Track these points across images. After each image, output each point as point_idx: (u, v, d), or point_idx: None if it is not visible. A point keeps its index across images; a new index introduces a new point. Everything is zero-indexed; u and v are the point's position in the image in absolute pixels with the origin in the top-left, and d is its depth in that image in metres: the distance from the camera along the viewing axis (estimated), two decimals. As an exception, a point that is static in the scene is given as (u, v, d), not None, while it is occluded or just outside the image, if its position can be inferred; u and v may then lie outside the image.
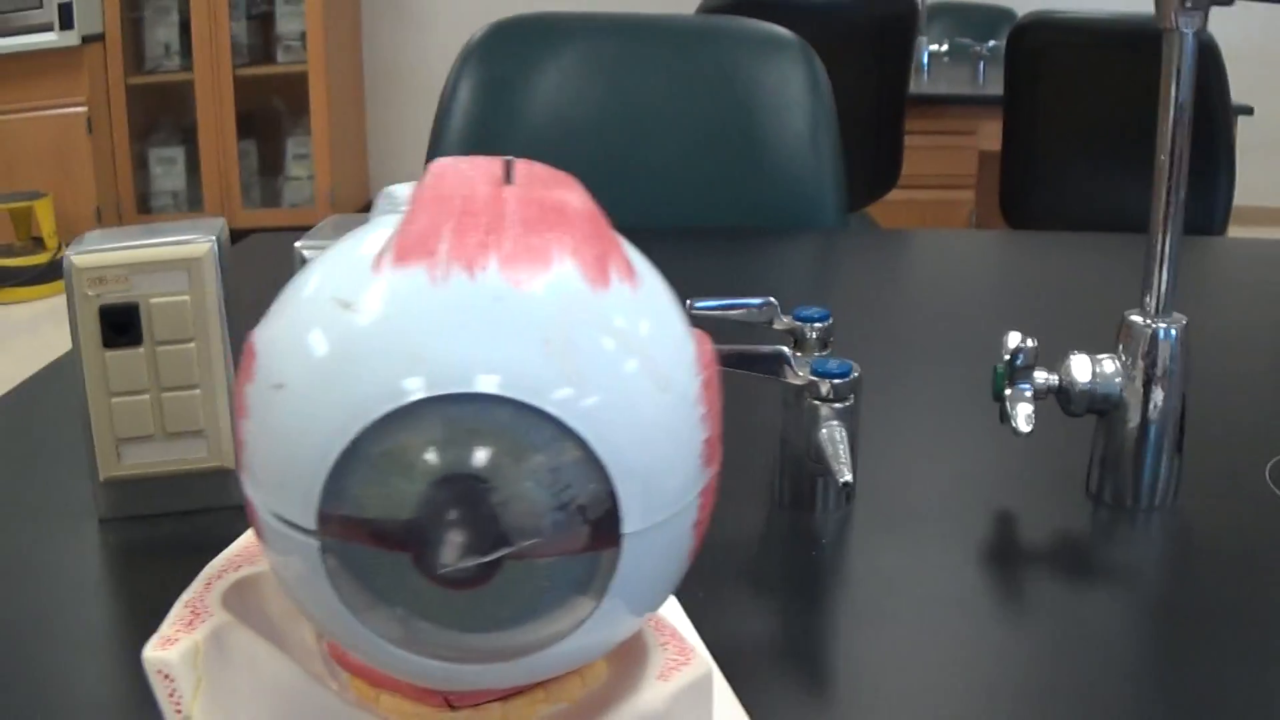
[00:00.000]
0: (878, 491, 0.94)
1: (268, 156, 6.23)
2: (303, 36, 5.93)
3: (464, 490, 0.44)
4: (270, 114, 6.20)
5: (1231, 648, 0.76)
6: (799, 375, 0.86)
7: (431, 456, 0.44)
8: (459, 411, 0.44)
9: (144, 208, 6.14)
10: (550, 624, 0.46)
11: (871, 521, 0.90)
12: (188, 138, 6.10)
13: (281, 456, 0.46)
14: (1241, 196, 2.98)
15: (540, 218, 0.48)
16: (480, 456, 0.44)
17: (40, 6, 5.55)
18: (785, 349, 0.86)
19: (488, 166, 0.50)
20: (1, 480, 1.00)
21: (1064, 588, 0.82)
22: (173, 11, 5.92)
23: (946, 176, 3.86)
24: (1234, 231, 4.02)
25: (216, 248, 0.87)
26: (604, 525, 0.45)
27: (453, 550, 0.44)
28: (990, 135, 3.30)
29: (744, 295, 0.97)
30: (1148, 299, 0.89)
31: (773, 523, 0.91)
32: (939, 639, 0.77)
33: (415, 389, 0.44)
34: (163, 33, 5.97)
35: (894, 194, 3.54)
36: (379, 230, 0.49)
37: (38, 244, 5.55)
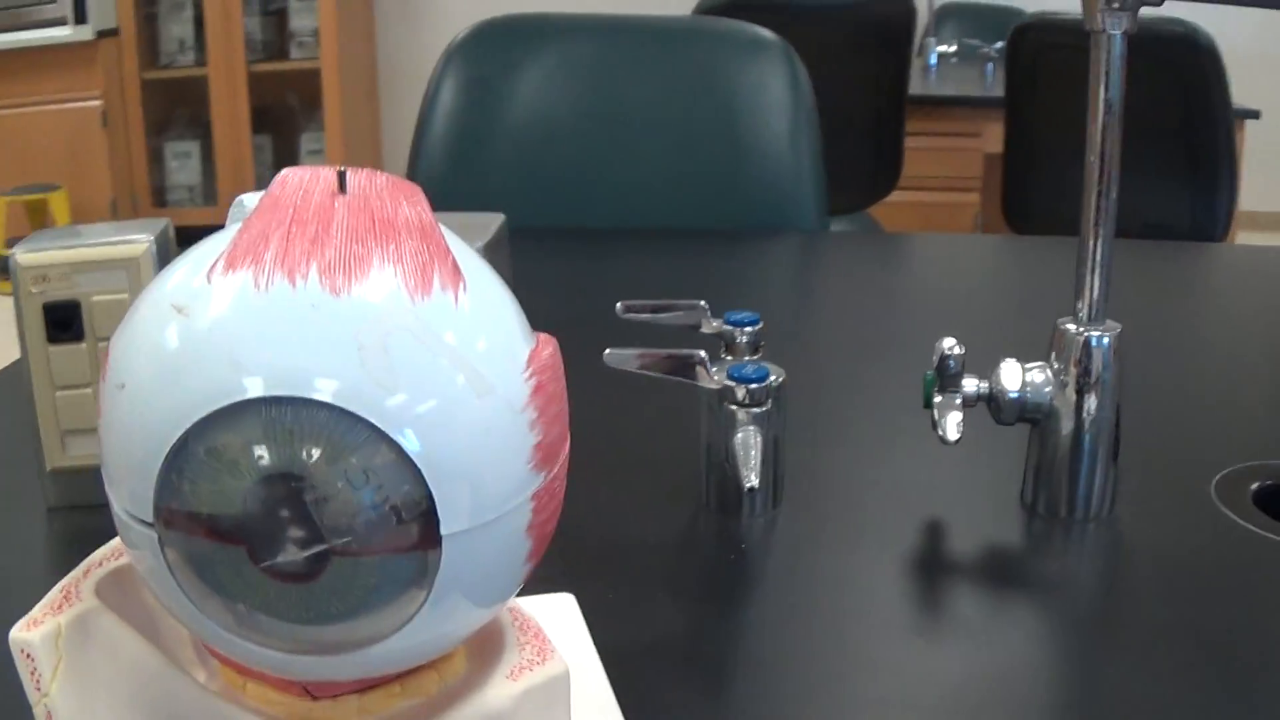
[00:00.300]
0: (807, 497, 0.93)
1: (282, 151, 6.24)
2: (316, 33, 5.94)
3: (283, 488, 0.45)
4: (284, 109, 6.21)
5: (1164, 668, 0.74)
6: (714, 380, 0.85)
7: (252, 455, 0.46)
8: (278, 413, 0.45)
9: (159, 201, 6.16)
10: (380, 619, 0.48)
11: (798, 527, 0.90)
12: (203, 132, 6.12)
13: (123, 453, 0.49)
14: (1249, 201, 2.97)
15: (368, 227, 0.49)
16: (296, 456, 0.45)
17: (54, 1, 5.57)
18: (701, 353, 0.85)
19: (327, 176, 0.51)
20: None
21: (992, 601, 0.81)
22: (187, 7, 5.93)
23: (951, 178, 3.85)
24: (1242, 237, 4.01)
25: (154, 248, 0.89)
26: (423, 526, 0.47)
27: (276, 545, 0.46)
28: (996, 138, 3.29)
29: (694, 297, 0.96)
30: (1080, 306, 0.87)
31: (697, 525, 0.91)
32: (856, 650, 0.77)
33: (237, 391, 0.46)
34: (177, 28, 5.98)
35: (898, 196, 3.53)
36: (221, 237, 0.51)
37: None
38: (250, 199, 0.54)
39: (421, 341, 0.47)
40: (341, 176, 0.51)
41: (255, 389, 0.45)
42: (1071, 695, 0.72)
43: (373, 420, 0.46)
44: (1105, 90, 0.84)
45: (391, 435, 0.46)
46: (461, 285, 0.50)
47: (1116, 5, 0.82)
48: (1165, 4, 0.84)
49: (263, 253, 0.48)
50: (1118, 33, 0.83)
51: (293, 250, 0.48)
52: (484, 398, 0.48)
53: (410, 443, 0.46)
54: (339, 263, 0.48)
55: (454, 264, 0.50)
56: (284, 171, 0.52)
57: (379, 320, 0.47)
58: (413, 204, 0.51)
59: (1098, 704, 0.71)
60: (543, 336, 0.54)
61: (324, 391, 0.46)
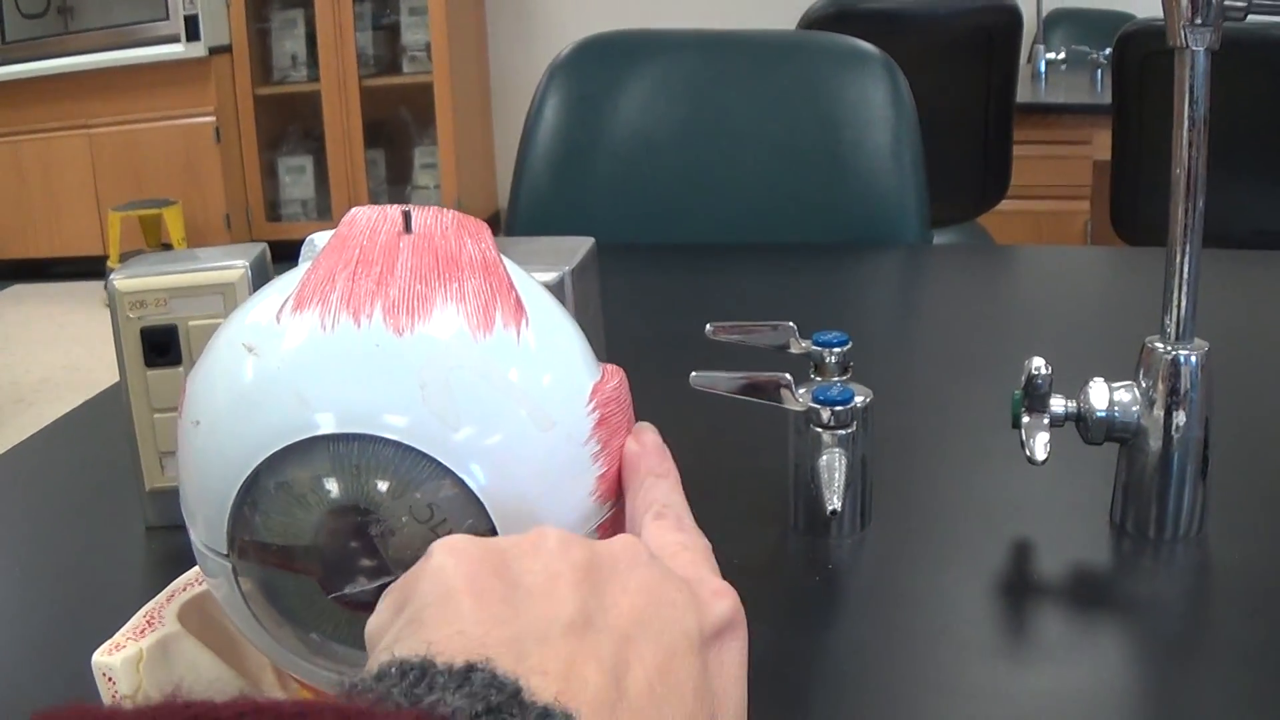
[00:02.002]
0: (895, 517, 0.93)
1: (395, 166, 6.30)
2: (428, 47, 5.99)
3: (351, 521, 0.48)
4: (397, 124, 6.27)
5: (1253, 691, 0.73)
6: (798, 402, 0.86)
7: (321, 488, 0.48)
8: (346, 449, 0.47)
9: (273, 215, 6.25)
10: None
11: (885, 548, 0.90)
12: (316, 147, 6.19)
13: (199, 487, 0.51)
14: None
15: (431, 266, 0.51)
16: (364, 491, 0.48)
17: (167, 18, 5.67)
18: (786, 376, 0.85)
19: (394, 216, 0.53)
20: (63, 489, 1.06)
21: (1079, 622, 0.81)
22: (299, 23, 6.01)
23: (1060, 187, 3.82)
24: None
25: (250, 273, 0.91)
26: None
27: (346, 575, 0.48)
28: (1105, 145, 3.26)
29: (791, 314, 0.96)
30: (1167, 322, 0.87)
31: (785, 546, 0.91)
32: (941, 672, 0.76)
33: (307, 428, 0.48)
34: (290, 44, 6.06)
35: (1007, 204, 3.50)
36: (293, 276, 0.54)
37: (166, 250, 5.65)
38: (321, 238, 0.57)
39: (484, 378, 0.49)
40: (407, 216, 0.53)
41: (324, 426, 0.47)
42: (1159, 718, 0.72)
43: (436, 456, 0.47)
44: (1190, 106, 0.84)
45: (455, 470, 0.48)
46: (524, 321, 0.51)
47: (1199, 21, 0.81)
48: (1254, 16, 0.84)
49: (329, 293, 0.50)
50: (1200, 49, 0.82)
51: (358, 291, 0.50)
52: (546, 432, 0.50)
53: (474, 478, 0.48)
54: (402, 302, 0.49)
55: (516, 300, 0.52)
56: (353, 211, 0.54)
57: (441, 359, 0.49)
58: (477, 241, 0.53)
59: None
60: (609, 368, 0.56)
61: (389, 428, 0.47)
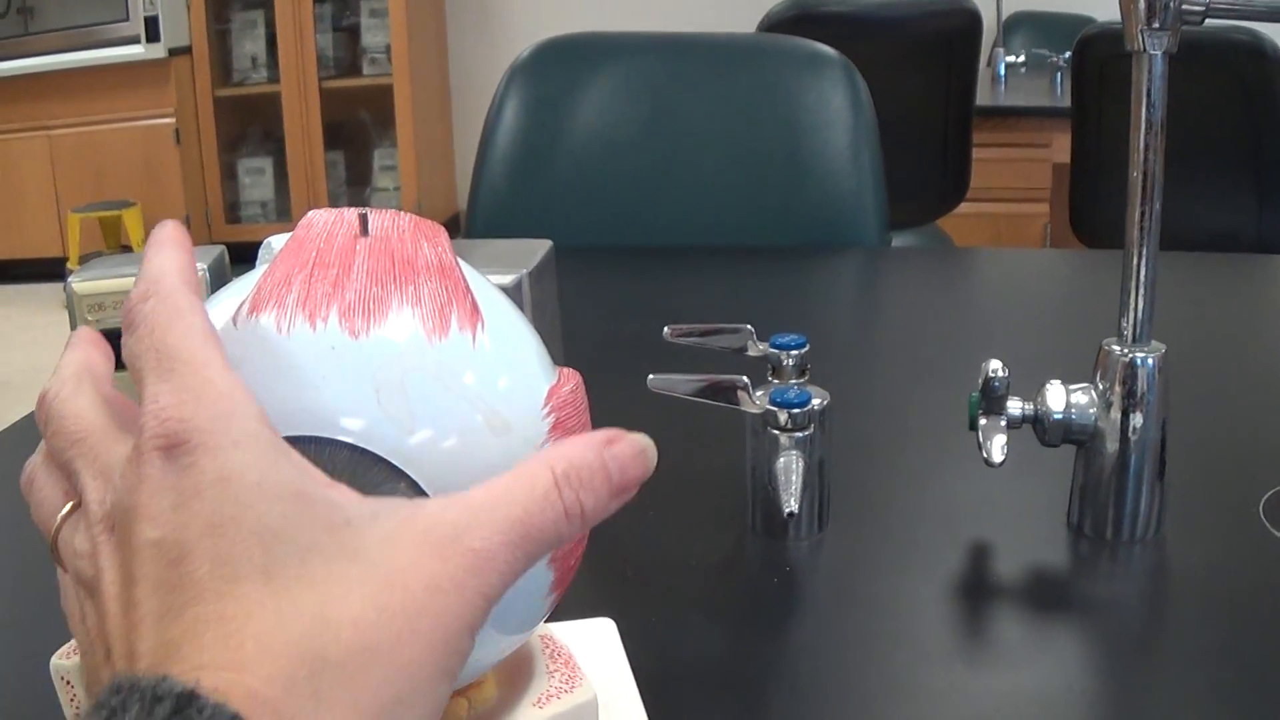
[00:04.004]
0: (852, 520, 0.93)
1: (355, 168, 6.29)
2: (388, 49, 5.98)
3: None
4: (357, 125, 6.26)
5: (1211, 692, 0.73)
6: (756, 404, 0.86)
7: None
8: (301, 451, 0.45)
9: (233, 217, 6.23)
10: None
11: (843, 550, 0.90)
12: (276, 148, 6.18)
13: None
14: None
15: (387, 269, 0.51)
16: None
17: (127, 19, 5.65)
18: (743, 379, 0.85)
19: (350, 219, 0.53)
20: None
21: (1037, 624, 0.81)
22: (259, 24, 5.99)
23: (1020, 189, 3.83)
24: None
25: (208, 275, 0.90)
26: None
27: None
28: (1065, 148, 3.27)
29: (749, 317, 0.96)
30: (1124, 325, 0.87)
31: (742, 549, 0.91)
32: (899, 675, 0.76)
33: None
34: (249, 45, 6.05)
35: (967, 207, 3.51)
36: (249, 279, 0.53)
37: (126, 251, 5.64)
38: (278, 241, 0.56)
39: (439, 381, 0.49)
40: (364, 219, 0.53)
41: (280, 428, 0.46)
42: None
43: (391, 459, 0.47)
44: (1147, 109, 0.84)
45: (410, 474, 0.48)
46: (480, 325, 0.51)
47: (1156, 25, 0.81)
48: (1206, 22, 0.84)
49: (285, 296, 0.50)
50: (1158, 53, 0.83)
51: (314, 293, 0.50)
52: (501, 436, 0.50)
53: (428, 481, 0.48)
54: (358, 305, 0.49)
55: (473, 304, 0.52)
56: (310, 214, 0.54)
57: (397, 361, 0.49)
58: (434, 244, 0.53)
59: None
60: (565, 372, 0.55)
61: (344, 431, 0.47)
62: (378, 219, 0.53)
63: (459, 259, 0.54)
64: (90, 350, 0.51)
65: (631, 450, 0.49)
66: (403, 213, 0.54)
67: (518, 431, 0.51)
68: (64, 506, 0.47)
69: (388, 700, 0.40)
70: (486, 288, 0.55)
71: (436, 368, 0.49)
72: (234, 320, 0.50)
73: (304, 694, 0.38)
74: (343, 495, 0.43)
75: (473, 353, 0.51)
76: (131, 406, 0.47)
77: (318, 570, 0.41)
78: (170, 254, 0.49)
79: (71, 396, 0.47)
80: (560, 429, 0.53)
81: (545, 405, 0.53)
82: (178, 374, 0.43)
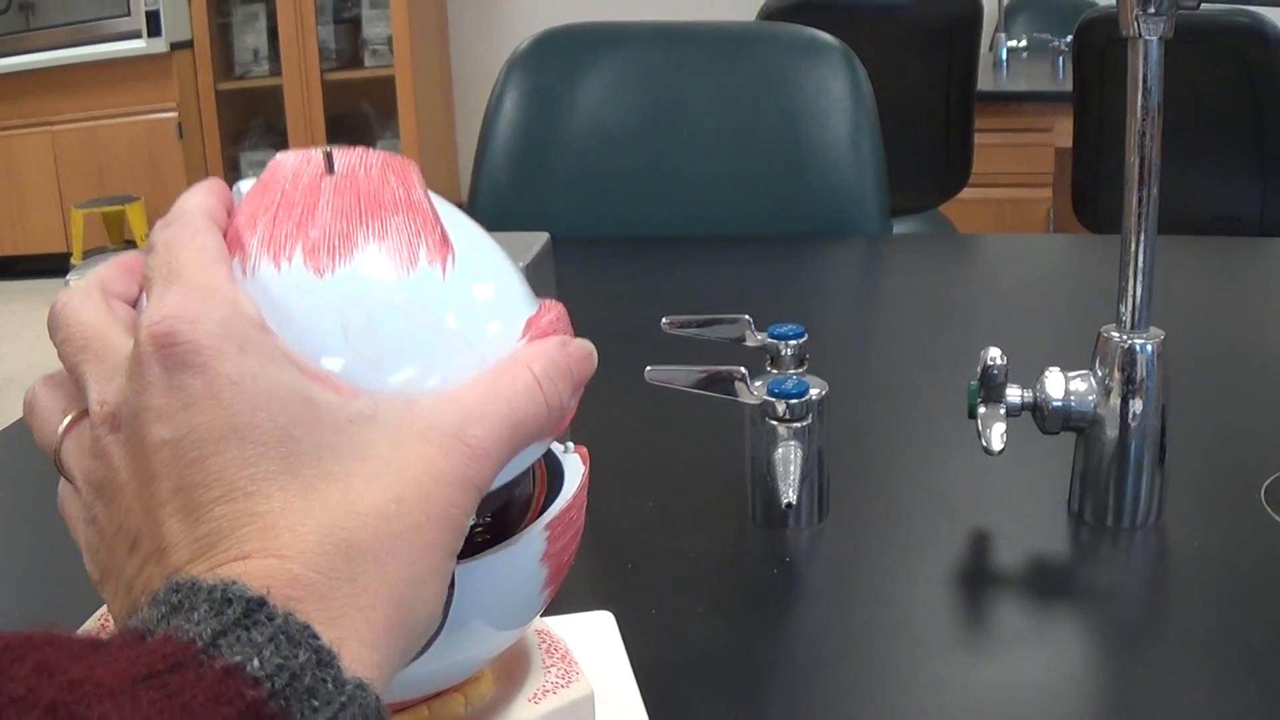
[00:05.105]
0: (852, 509, 0.93)
1: (358, 160, 6.28)
2: (389, 41, 5.97)
3: None
4: (359, 117, 6.25)
5: (1212, 678, 0.73)
6: (754, 395, 0.86)
7: None
8: None
9: (236, 211, 6.22)
10: None
11: (843, 540, 0.90)
12: (278, 141, 6.17)
13: None
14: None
15: (353, 205, 0.50)
16: None
17: (128, 14, 5.64)
18: (741, 369, 0.85)
19: (317, 157, 0.53)
20: (27, 487, 1.06)
21: (1038, 612, 0.81)
22: (260, 17, 5.99)
23: (1023, 174, 3.82)
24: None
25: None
26: None
27: None
28: (1067, 132, 3.26)
29: (749, 306, 0.96)
30: (1122, 311, 0.87)
31: (742, 540, 0.91)
32: (900, 664, 0.76)
33: None
34: (251, 38, 6.04)
35: (970, 193, 3.50)
36: None
37: (130, 247, 5.63)
38: (246, 184, 0.55)
39: (407, 316, 0.48)
40: (329, 158, 0.52)
41: None
42: (1117, 707, 0.72)
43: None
44: (1143, 95, 0.84)
45: None
46: (450, 258, 0.51)
47: (1151, 10, 0.81)
48: (1203, 6, 0.84)
49: (249, 239, 0.49)
50: (1154, 38, 0.82)
51: (278, 234, 0.49)
52: (476, 368, 0.49)
53: None
54: (323, 243, 0.49)
55: (442, 236, 0.51)
56: (278, 156, 0.54)
57: (363, 297, 0.48)
58: (402, 179, 0.52)
59: (1143, 716, 0.71)
60: (547, 303, 0.55)
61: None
62: (344, 157, 0.53)
63: (430, 193, 0.53)
64: (114, 271, 0.51)
65: (582, 351, 0.53)
66: (371, 149, 0.54)
67: (492, 363, 0.50)
68: (65, 418, 0.48)
69: (411, 579, 0.43)
70: (460, 221, 0.54)
71: (406, 303, 0.49)
72: None
73: (342, 577, 0.41)
74: (341, 394, 0.45)
75: (443, 285, 0.50)
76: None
77: (334, 468, 0.43)
78: (199, 193, 0.52)
79: (80, 305, 0.48)
80: None
81: (523, 337, 0.52)
82: (183, 281, 0.45)
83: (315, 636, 0.39)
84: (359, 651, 0.41)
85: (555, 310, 0.55)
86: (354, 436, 0.44)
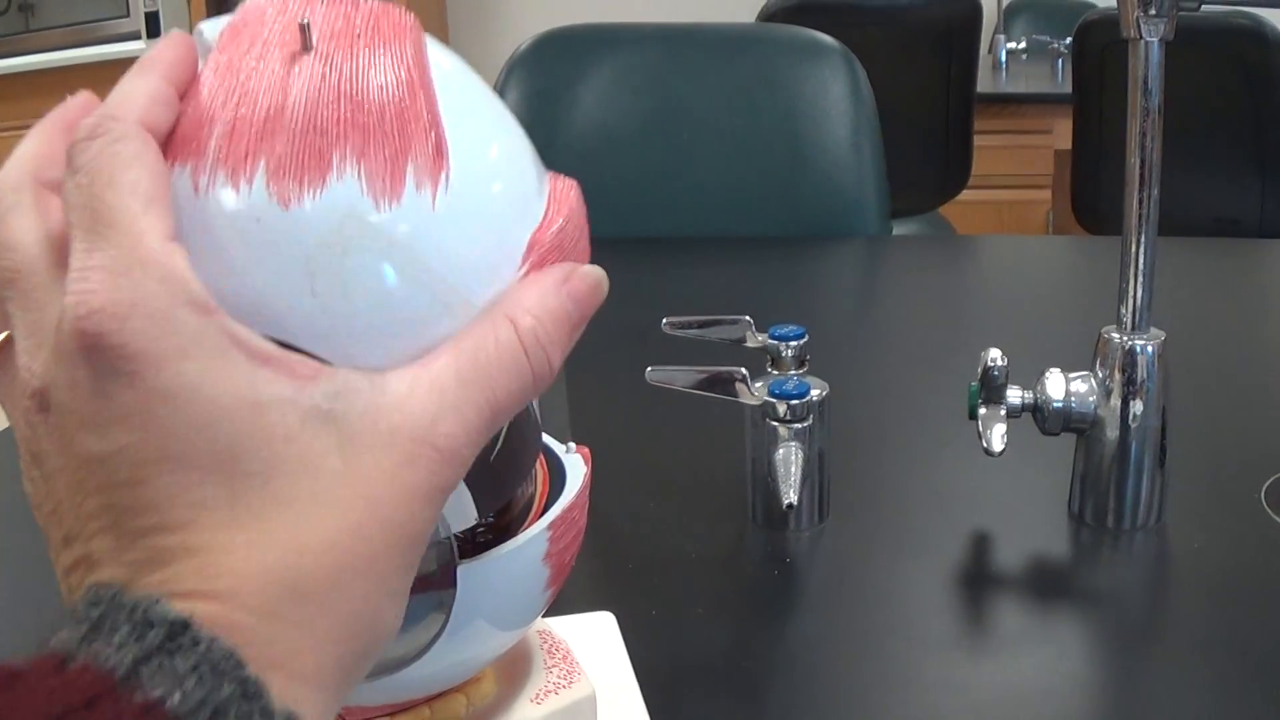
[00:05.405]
0: (853, 510, 0.93)
1: (357, 161, 6.27)
2: (389, 42, 5.97)
3: None
4: (359, 119, 6.24)
5: (1212, 680, 0.73)
6: (754, 396, 0.85)
7: None
8: None
9: (236, 213, 6.22)
10: (399, 645, 0.48)
11: (844, 541, 0.90)
12: (278, 143, 6.16)
13: None
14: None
15: (331, 104, 0.41)
16: None
17: (127, 15, 5.64)
18: (741, 370, 0.85)
19: (293, 23, 0.43)
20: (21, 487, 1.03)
21: (1038, 613, 0.81)
22: (260, 19, 5.99)
23: (1022, 176, 3.82)
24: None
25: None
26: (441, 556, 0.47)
27: None
28: (1066, 134, 3.26)
29: (750, 307, 0.96)
30: (1123, 312, 0.87)
31: (743, 540, 0.91)
32: (900, 665, 0.76)
33: None
34: (250, 40, 6.04)
35: (969, 194, 3.50)
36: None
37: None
38: (210, 29, 0.46)
39: (387, 260, 0.41)
40: (305, 29, 0.43)
41: None
42: (1118, 707, 0.72)
43: (330, 359, 0.41)
44: (1144, 96, 0.84)
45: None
46: (444, 176, 0.43)
47: (1152, 12, 0.81)
48: (1203, 8, 0.84)
49: (205, 142, 0.41)
50: (1154, 40, 0.82)
51: (238, 141, 0.41)
52: (463, 317, 0.43)
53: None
54: (290, 161, 0.41)
55: (437, 144, 0.43)
56: (241, 16, 0.45)
57: (335, 239, 0.40)
58: (395, 57, 0.43)
59: (1144, 717, 0.71)
60: (556, 189, 0.48)
61: (274, 326, 0.40)
62: (326, 22, 0.43)
63: (431, 65, 0.44)
64: (50, 144, 0.45)
65: (588, 285, 0.46)
66: (361, 3, 0.45)
67: (483, 305, 0.43)
68: None
69: (366, 612, 0.39)
70: (461, 91, 0.46)
71: (385, 243, 0.41)
72: None
73: (289, 621, 0.37)
74: (297, 377, 0.39)
75: (431, 216, 0.42)
76: None
77: (283, 491, 0.38)
78: (145, 81, 0.43)
79: (9, 214, 0.42)
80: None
81: (523, 265, 0.45)
82: (111, 244, 0.39)
83: (241, 666, 0.35)
84: (293, 689, 0.37)
85: (566, 208, 0.47)
86: (308, 446, 0.39)
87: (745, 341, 0.94)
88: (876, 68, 1.91)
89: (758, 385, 0.87)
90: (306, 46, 0.42)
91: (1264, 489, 0.94)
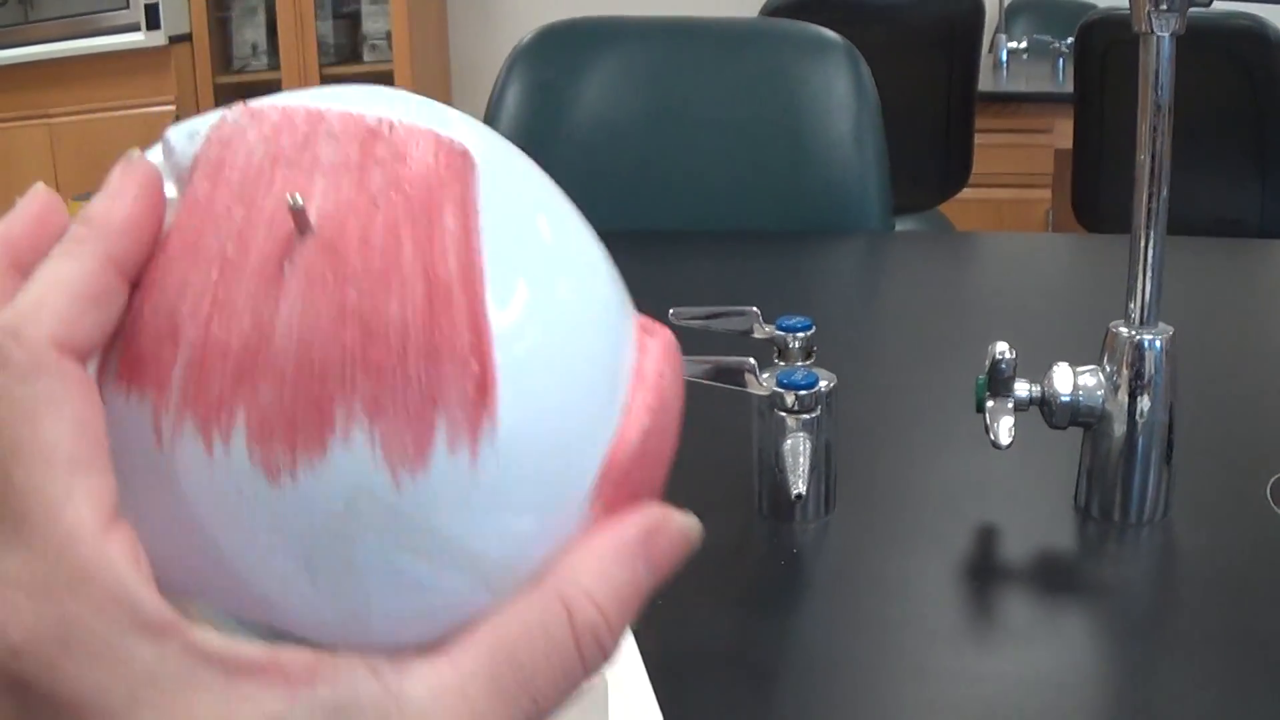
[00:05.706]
0: (860, 502, 0.93)
1: (356, 155, 6.27)
2: (388, 35, 5.97)
3: None
4: (358, 113, 6.24)
5: (1219, 675, 0.73)
6: (762, 387, 0.85)
7: None
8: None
9: (234, 205, 6.21)
10: None
11: (851, 532, 0.90)
12: (277, 137, 6.16)
13: None
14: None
15: (332, 341, 0.31)
16: None
17: (127, 7, 5.63)
18: (750, 360, 0.85)
19: (284, 195, 0.33)
20: None
21: (1044, 606, 0.81)
22: (259, 11, 5.98)
23: (1022, 175, 3.82)
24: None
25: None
26: None
27: None
28: (1067, 134, 3.26)
29: (755, 301, 0.96)
30: (1131, 307, 0.87)
31: (750, 531, 0.91)
32: (906, 657, 0.76)
33: None
34: (250, 33, 6.04)
35: (969, 193, 3.50)
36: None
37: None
38: (184, 146, 0.36)
39: (409, 546, 0.32)
40: (300, 216, 0.32)
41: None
42: (1123, 703, 0.72)
43: (331, 644, 0.33)
44: (1155, 91, 0.84)
45: None
46: (487, 424, 0.32)
47: (1164, 7, 0.81)
48: (1218, 2, 0.83)
49: (168, 366, 0.32)
50: (1165, 34, 0.82)
51: (210, 380, 0.31)
52: (504, 594, 0.34)
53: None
54: (278, 417, 0.31)
55: (480, 381, 0.32)
56: (230, 123, 0.35)
57: (338, 523, 0.31)
58: (428, 239, 0.32)
59: (1150, 712, 0.71)
60: (636, 390, 0.37)
61: (259, 609, 0.33)
62: (331, 182, 0.33)
63: (483, 216, 0.34)
64: (26, 227, 0.36)
65: (675, 549, 0.38)
66: (383, 137, 0.34)
67: (535, 570, 0.34)
68: None
69: None
70: (527, 245, 0.35)
71: (406, 526, 0.32)
72: (98, 374, 0.33)
73: None
74: (287, 694, 0.31)
75: (470, 483, 0.32)
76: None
77: None
78: (72, 266, 0.33)
79: None
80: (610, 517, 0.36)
81: (591, 502, 0.35)
82: (26, 547, 0.29)
83: None
84: None
85: (657, 392, 0.36)
86: None
87: (752, 333, 0.94)
88: (878, 66, 1.91)
89: (765, 376, 0.87)
90: (302, 228, 0.32)
91: (1270, 485, 0.94)
